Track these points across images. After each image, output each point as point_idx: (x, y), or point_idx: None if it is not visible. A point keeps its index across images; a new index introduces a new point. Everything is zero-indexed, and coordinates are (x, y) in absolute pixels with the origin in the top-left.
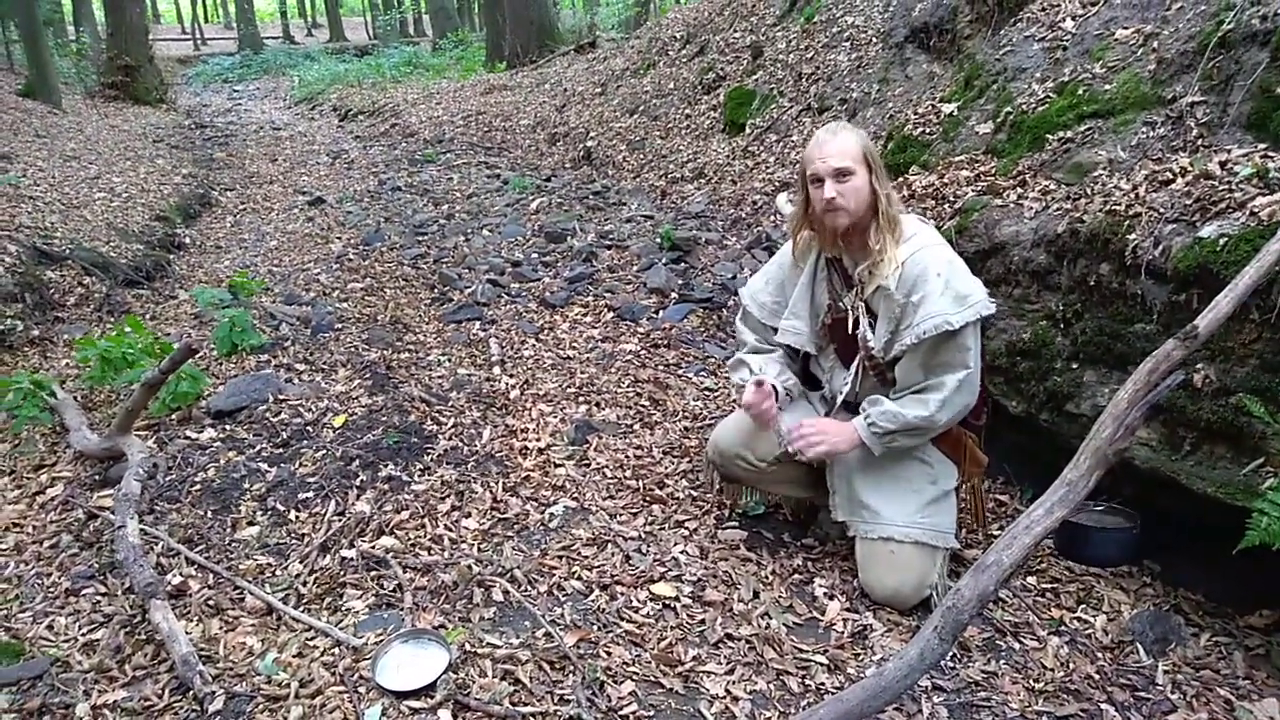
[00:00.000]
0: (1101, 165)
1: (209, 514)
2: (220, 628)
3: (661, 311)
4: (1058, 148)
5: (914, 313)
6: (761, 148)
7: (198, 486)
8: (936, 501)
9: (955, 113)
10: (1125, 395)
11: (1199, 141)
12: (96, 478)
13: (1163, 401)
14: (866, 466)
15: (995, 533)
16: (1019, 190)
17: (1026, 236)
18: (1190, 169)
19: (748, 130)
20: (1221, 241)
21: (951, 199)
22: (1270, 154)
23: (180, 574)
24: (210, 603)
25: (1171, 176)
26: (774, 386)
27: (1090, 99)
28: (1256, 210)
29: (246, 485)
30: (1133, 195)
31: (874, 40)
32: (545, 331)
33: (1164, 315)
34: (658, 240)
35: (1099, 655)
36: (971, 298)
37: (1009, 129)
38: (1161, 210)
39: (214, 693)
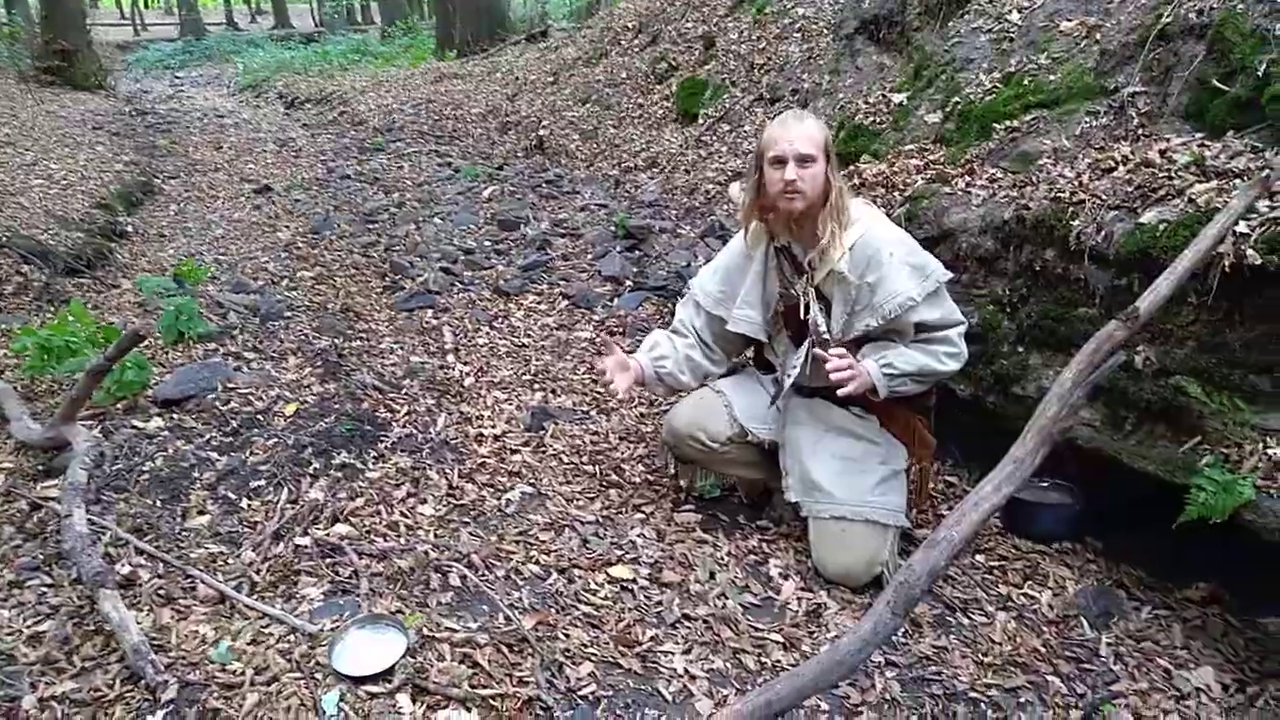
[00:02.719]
0: (1046, 154)
1: (158, 503)
2: (172, 617)
3: (616, 299)
4: (1004, 137)
5: (871, 294)
6: (714, 137)
7: (146, 476)
8: (886, 481)
9: (905, 102)
10: (1069, 375)
11: (1140, 131)
12: (40, 468)
13: (1105, 382)
14: (818, 447)
15: (945, 512)
16: (967, 178)
17: (974, 223)
18: (1132, 157)
19: (700, 120)
20: (1161, 227)
21: (901, 187)
22: (1207, 143)
23: (129, 564)
24: (161, 592)
25: (1114, 164)
26: (640, 363)
27: (1036, 89)
28: (1194, 197)
29: (196, 474)
30: (1076, 183)
31: (824, 32)
32: (499, 319)
33: (1106, 299)
34: (612, 229)
35: (1045, 629)
36: (928, 267)
37: (957, 118)
38: (1104, 197)
39: (167, 682)
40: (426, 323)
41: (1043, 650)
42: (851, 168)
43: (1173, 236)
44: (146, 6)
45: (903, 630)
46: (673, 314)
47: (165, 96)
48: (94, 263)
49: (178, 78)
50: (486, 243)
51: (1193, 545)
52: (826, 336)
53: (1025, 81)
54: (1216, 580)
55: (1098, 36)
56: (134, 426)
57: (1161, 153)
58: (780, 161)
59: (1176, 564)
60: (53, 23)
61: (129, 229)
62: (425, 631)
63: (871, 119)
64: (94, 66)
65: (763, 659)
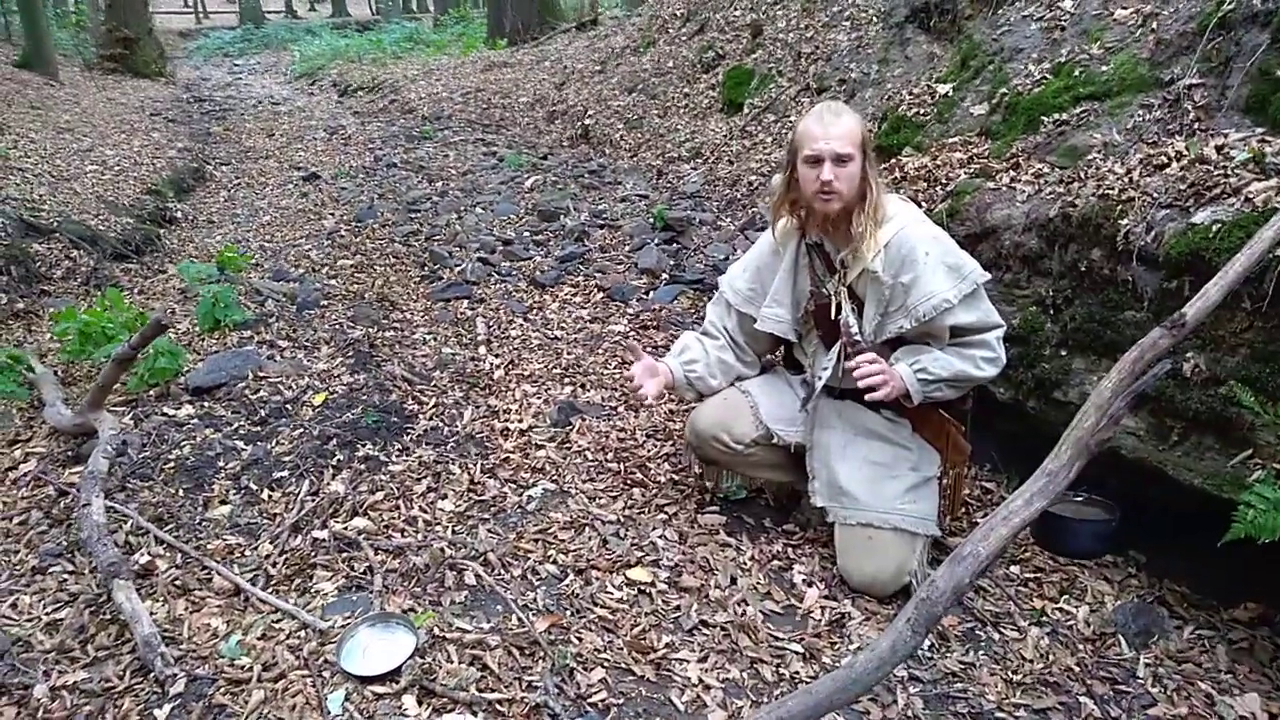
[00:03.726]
0: (1096, 148)
1: (181, 492)
2: (186, 608)
3: (652, 292)
4: (1052, 130)
5: (905, 295)
6: (759, 128)
7: (171, 464)
8: (917, 488)
9: (950, 93)
10: (1109, 384)
11: (1196, 125)
12: (69, 454)
13: (1150, 391)
14: (847, 451)
15: (980, 520)
16: (1012, 173)
17: (1018, 220)
18: (1186, 153)
19: (746, 110)
20: (1214, 228)
21: (944, 181)
22: (1268, 138)
23: (148, 553)
24: (177, 582)
25: (1166, 160)
26: (669, 368)
27: (1087, 80)
28: (1251, 196)
29: (221, 463)
30: (1126, 179)
31: (874, 20)
32: (534, 311)
33: (1155, 303)
34: (651, 220)
35: (1080, 647)
36: (964, 268)
37: (1004, 110)
38: (1155, 195)
39: (175, 675)
40: (461, 313)
41: (1076, 669)
42: (893, 161)
43: (1227, 238)
44: None
45: (929, 644)
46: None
47: (223, 84)
48: (142, 248)
49: (236, 65)
50: (526, 233)
51: (1242, 562)
52: (858, 338)
53: (1076, 72)
54: (1267, 600)
55: (1154, 25)
56: (164, 414)
57: (1218, 148)
58: (816, 161)
59: (1224, 581)
60: (116, 11)
61: (178, 215)
62: (436, 631)
63: (915, 110)
64: (155, 54)
65: (781, 670)
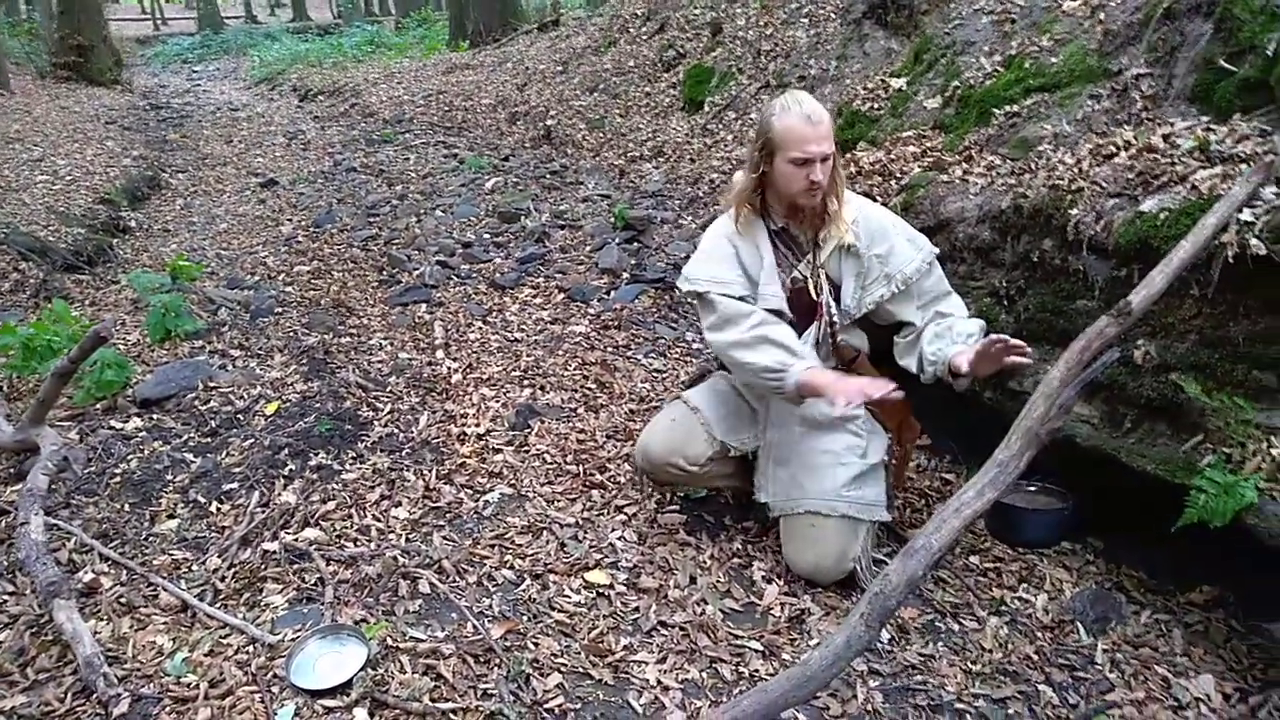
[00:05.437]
0: (1046, 139)
1: (127, 507)
2: (131, 626)
3: (613, 292)
4: (1004, 122)
5: (883, 264)
6: (720, 125)
7: (117, 479)
8: (863, 475)
9: (904, 87)
10: (1057, 374)
11: (1143, 114)
12: (11, 471)
13: (1102, 378)
14: (799, 447)
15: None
16: (965, 166)
17: (971, 213)
18: (1134, 142)
19: (706, 108)
20: (1162, 216)
21: (898, 175)
22: (1213, 126)
23: (92, 571)
24: (122, 600)
25: (1115, 150)
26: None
27: (1037, 72)
28: (1197, 184)
29: (169, 477)
30: (1076, 170)
31: (832, 16)
32: (493, 313)
33: (1106, 291)
34: (612, 220)
35: (1039, 635)
36: (919, 239)
37: (956, 104)
38: (1104, 185)
39: (119, 695)
40: (419, 318)
41: (1035, 658)
42: (848, 155)
43: (1174, 225)
44: (166, 1)
45: (889, 637)
46: (669, 306)
47: (181, 90)
48: (94, 259)
49: (195, 71)
50: (485, 235)
51: (1196, 546)
52: (836, 317)
53: (1026, 64)
54: (1221, 583)
55: (1101, 16)
56: (111, 427)
57: (1165, 137)
58: (806, 162)
59: (1179, 566)
60: (69, 18)
61: (133, 224)
62: (389, 642)
63: (870, 105)
64: (110, 61)
65: (740, 669)
